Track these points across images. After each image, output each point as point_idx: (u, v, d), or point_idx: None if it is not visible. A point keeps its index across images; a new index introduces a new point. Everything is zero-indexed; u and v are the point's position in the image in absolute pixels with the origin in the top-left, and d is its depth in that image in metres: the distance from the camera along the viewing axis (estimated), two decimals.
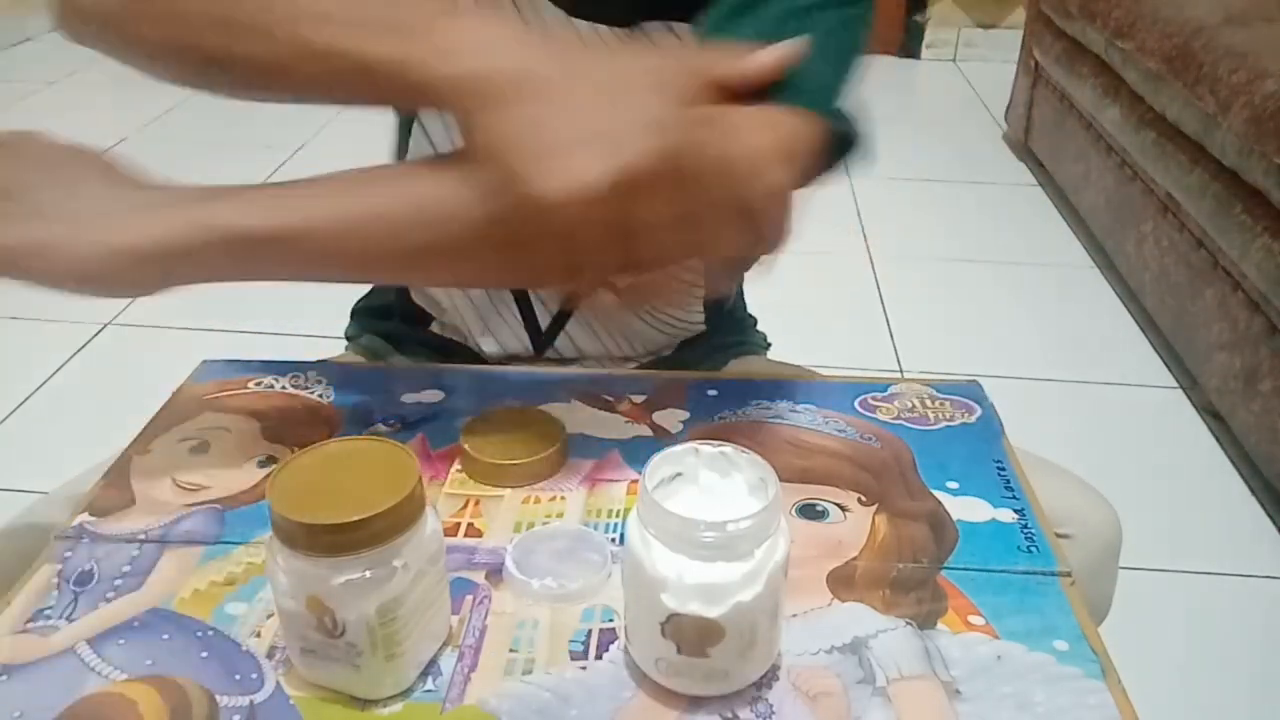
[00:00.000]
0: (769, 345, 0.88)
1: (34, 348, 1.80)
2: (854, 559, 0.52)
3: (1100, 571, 0.65)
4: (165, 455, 0.59)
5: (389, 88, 0.49)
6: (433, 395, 0.65)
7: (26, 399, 1.66)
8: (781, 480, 0.43)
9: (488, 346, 0.78)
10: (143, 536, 0.53)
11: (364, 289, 0.86)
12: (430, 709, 0.43)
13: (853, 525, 0.54)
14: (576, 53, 0.53)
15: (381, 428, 0.62)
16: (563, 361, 0.79)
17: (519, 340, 0.77)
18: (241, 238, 0.49)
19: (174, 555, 0.51)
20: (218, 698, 0.43)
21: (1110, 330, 1.95)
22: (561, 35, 0.52)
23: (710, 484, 0.44)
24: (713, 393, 0.66)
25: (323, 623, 0.41)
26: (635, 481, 0.57)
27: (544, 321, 0.77)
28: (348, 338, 0.85)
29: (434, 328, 0.81)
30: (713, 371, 0.79)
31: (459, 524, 0.54)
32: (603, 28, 0.63)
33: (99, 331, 1.84)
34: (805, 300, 1.81)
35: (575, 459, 0.59)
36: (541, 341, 0.78)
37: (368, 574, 0.41)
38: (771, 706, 0.44)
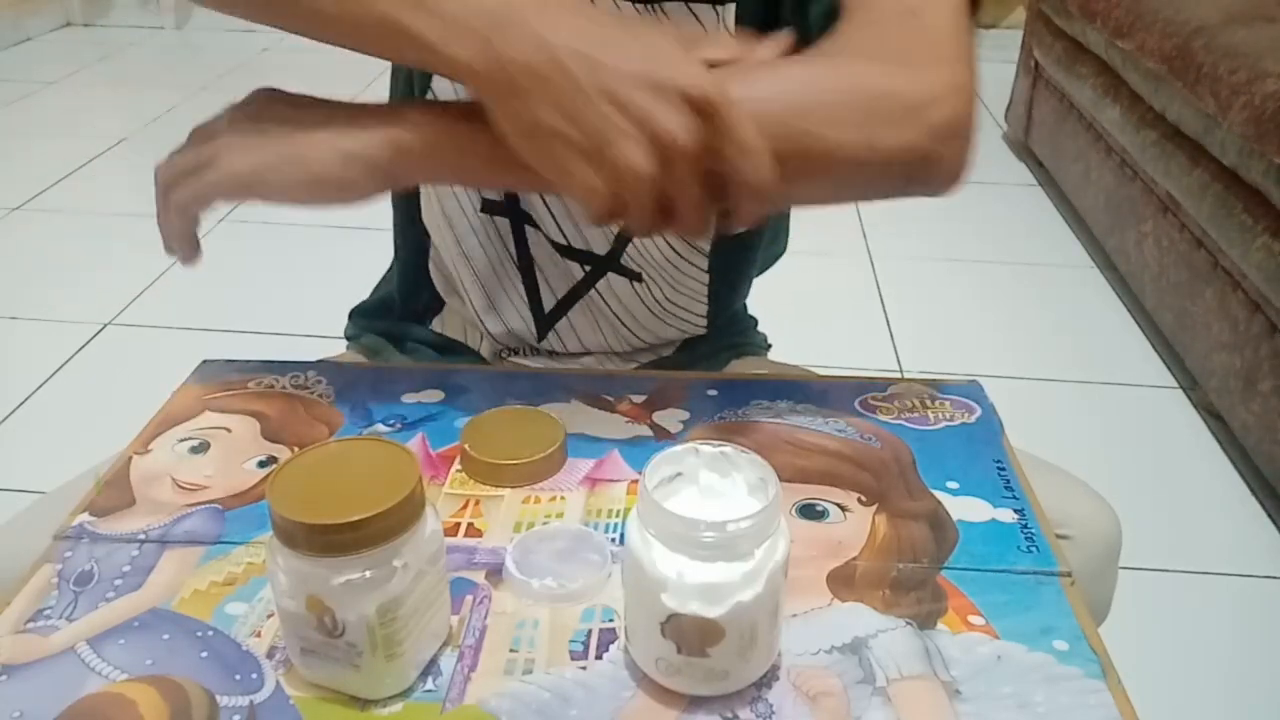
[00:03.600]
0: (769, 345, 0.88)
1: (34, 348, 1.80)
2: (854, 559, 0.52)
3: (1100, 573, 0.65)
4: (165, 455, 0.59)
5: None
6: (433, 395, 0.65)
7: (26, 399, 1.66)
8: (781, 480, 0.43)
9: (492, 326, 0.78)
10: (143, 536, 0.53)
11: (365, 289, 0.86)
12: (430, 709, 0.43)
13: (853, 525, 0.54)
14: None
15: (381, 428, 0.62)
16: (562, 355, 0.79)
17: (523, 321, 0.77)
18: (465, 142, 0.52)
19: (174, 555, 0.51)
20: (218, 698, 0.43)
21: (1110, 330, 1.95)
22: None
23: (710, 484, 0.44)
24: (713, 393, 0.66)
25: (323, 623, 0.41)
26: (635, 481, 0.57)
27: (549, 304, 0.77)
28: (348, 338, 0.85)
29: (434, 325, 0.81)
30: (713, 371, 0.79)
31: (459, 524, 0.54)
32: (626, 5, 0.63)
33: (99, 331, 1.84)
34: (805, 300, 1.81)
35: (575, 459, 0.59)
36: (544, 325, 0.78)
37: (368, 574, 0.41)
38: (771, 706, 0.44)
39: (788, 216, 0.82)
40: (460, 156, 0.54)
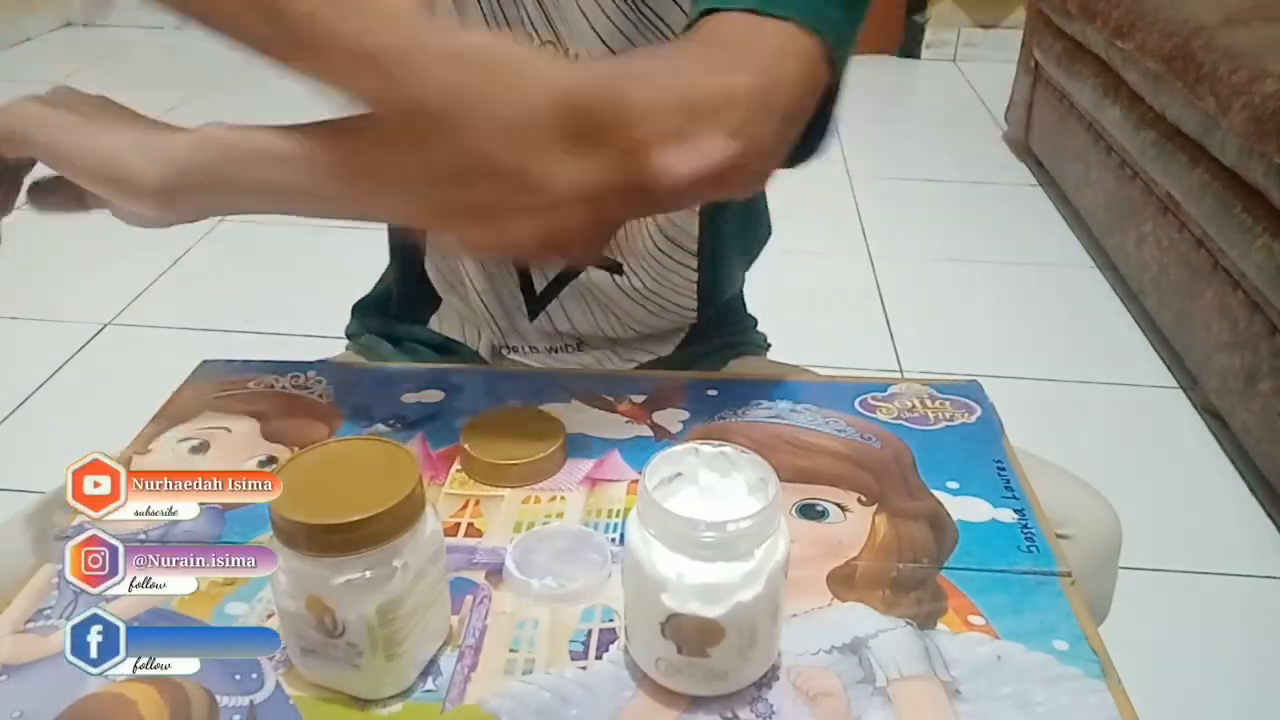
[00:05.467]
0: (769, 345, 0.88)
1: (34, 348, 1.80)
2: (854, 559, 0.52)
3: (1100, 571, 0.65)
4: (165, 455, 0.59)
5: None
6: (433, 395, 0.65)
7: (26, 399, 1.66)
8: (781, 480, 0.43)
9: (491, 305, 0.78)
10: (143, 537, 0.53)
11: (365, 288, 0.86)
12: (430, 709, 0.43)
13: (853, 525, 0.54)
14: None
15: (381, 428, 0.62)
16: (558, 337, 0.79)
17: (514, 300, 0.77)
18: (243, 147, 0.51)
19: None
20: (218, 698, 0.43)
21: (1110, 330, 1.95)
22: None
23: (710, 484, 0.44)
24: (713, 393, 0.66)
25: (323, 623, 0.41)
26: (635, 481, 0.57)
27: (540, 285, 0.77)
28: (348, 335, 0.85)
29: (433, 324, 0.81)
30: (713, 371, 0.79)
31: (459, 524, 0.54)
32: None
33: (99, 331, 1.84)
34: (805, 300, 1.81)
35: (575, 459, 0.59)
36: (536, 305, 0.78)
37: (368, 574, 0.41)
38: (771, 706, 0.44)
39: (764, 199, 0.82)
40: (274, 172, 0.51)
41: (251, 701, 0.43)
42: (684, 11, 0.65)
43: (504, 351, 0.80)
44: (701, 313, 0.79)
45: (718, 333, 0.82)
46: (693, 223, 0.74)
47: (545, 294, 0.77)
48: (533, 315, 0.78)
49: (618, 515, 0.55)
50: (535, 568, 0.50)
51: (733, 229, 0.77)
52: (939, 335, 1.90)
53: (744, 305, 0.88)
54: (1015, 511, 0.55)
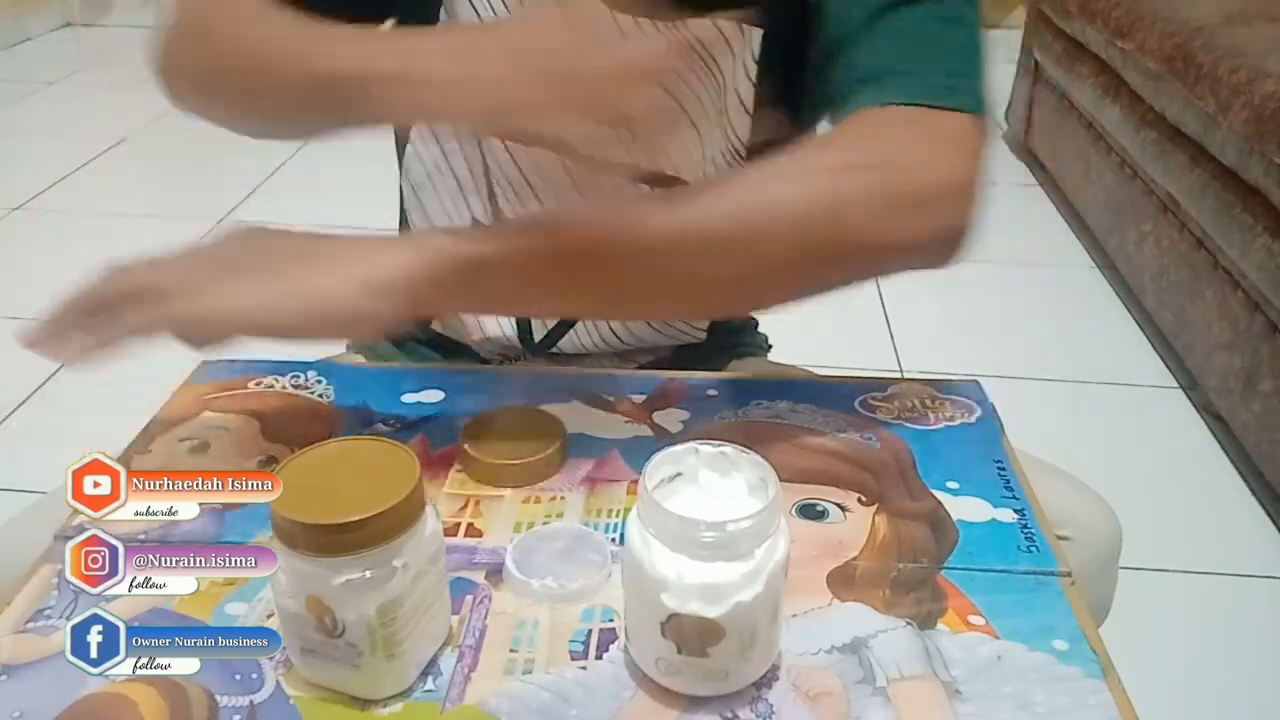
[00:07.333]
0: (769, 346, 0.88)
1: None
2: (854, 559, 0.52)
3: (1100, 575, 0.65)
4: (165, 455, 0.59)
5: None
6: (433, 395, 0.65)
7: (26, 399, 1.66)
8: (781, 480, 0.43)
9: (481, 339, 0.78)
10: (143, 537, 0.53)
11: None
12: (430, 709, 0.43)
13: (853, 525, 0.54)
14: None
15: (381, 428, 0.62)
16: (560, 358, 0.79)
17: (511, 340, 0.77)
18: (490, 265, 0.50)
19: None
20: (218, 698, 0.43)
21: (1110, 330, 1.95)
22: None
23: (710, 484, 0.44)
24: (713, 393, 0.66)
25: (323, 623, 0.41)
26: (635, 481, 0.57)
27: (539, 334, 0.76)
28: None
29: (435, 326, 0.81)
30: (713, 371, 0.79)
31: (459, 524, 0.54)
32: (645, 22, 0.63)
33: None
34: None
35: (575, 459, 0.59)
36: (536, 350, 0.78)
37: (368, 574, 0.41)
38: (771, 706, 0.44)
39: None
40: (496, 283, 0.51)
41: (251, 701, 0.43)
42: (728, 44, 0.64)
43: (502, 363, 0.80)
44: (712, 333, 0.79)
45: (718, 336, 0.82)
46: None
47: (545, 340, 0.77)
48: (535, 353, 0.78)
49: (618, 515, 0.55)
50: (535, 568, 0.50)
51: None
52: (939, 335, 1.90)
53: None
54: (1015, 511, 0.55)
